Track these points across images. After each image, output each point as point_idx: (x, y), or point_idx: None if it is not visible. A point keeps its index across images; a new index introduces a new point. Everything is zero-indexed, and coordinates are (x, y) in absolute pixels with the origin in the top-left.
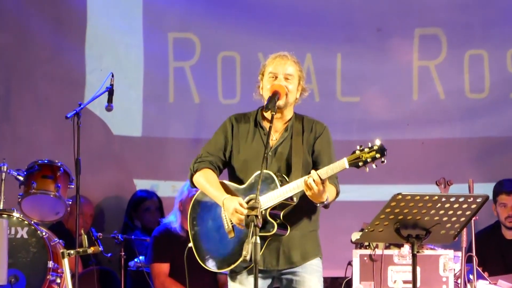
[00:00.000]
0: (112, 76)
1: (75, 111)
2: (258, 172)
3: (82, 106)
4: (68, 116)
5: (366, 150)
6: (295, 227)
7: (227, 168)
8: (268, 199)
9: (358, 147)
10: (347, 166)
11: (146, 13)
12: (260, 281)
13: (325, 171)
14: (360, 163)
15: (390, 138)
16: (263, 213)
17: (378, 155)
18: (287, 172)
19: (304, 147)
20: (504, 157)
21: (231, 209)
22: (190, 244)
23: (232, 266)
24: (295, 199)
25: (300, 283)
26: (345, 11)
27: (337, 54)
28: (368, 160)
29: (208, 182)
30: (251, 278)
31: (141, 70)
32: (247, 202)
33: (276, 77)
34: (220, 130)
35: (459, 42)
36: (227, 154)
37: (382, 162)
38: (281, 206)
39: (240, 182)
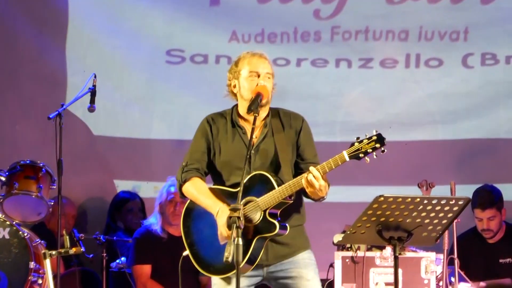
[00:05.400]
0: (95, 77)
1: (57, 112)
2: (254, 173)
3: (64, 107)
4: (51, 116)
5: (365, 141)
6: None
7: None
8: (267, 200)
9: (356, 139)
10: (348, 159)
11: (131, 14)
12: (246, 279)
13: (325, 166)
14: (361, 155)
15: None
16: (262, 214)
17: (378, 145)
18: (273, 169)
19: (288, 143)
20: (487, 160)
21: (223, 221)
22: (186, 252)
23: (234, 271)
24: (292, 197)
25: (297, 279)
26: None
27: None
28: (369, 150)
29: (199, 193)
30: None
31: (125, 71)
32: (245, 204)
33: (259, 76)
34: (200, 133)
35: (440, 47)
36: (211, 156)
37: (383, 151)
38: (278, 205)
39: (223, 183)
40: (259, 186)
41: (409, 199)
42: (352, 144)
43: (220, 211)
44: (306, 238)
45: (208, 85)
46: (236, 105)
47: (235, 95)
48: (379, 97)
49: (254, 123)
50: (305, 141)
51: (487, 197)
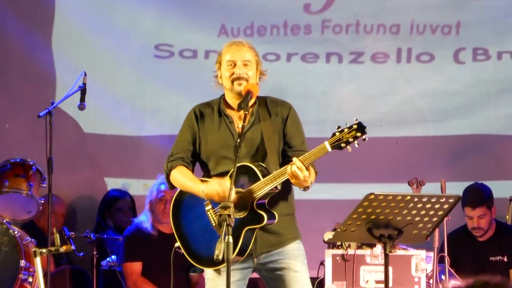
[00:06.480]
0: (85, 75)
1: (47, 110)
2: (238, 165)
3: (54, 105)
4: (41, 115)
5: (346, 130)
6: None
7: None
8: (253, 191)
9: (336, 128)
10: (330, 149)
11: (120, 11)
12: (238, 273)
13: (308, 157)
14: (343, 144)
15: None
16: (249, 205)
17: (359, 134)
18: (260, 158)
19: (274, 131)
20: (477, 157)
21: (215, 195)
22: (177, 244)
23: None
24: (279, 186)
25: (285, 271)
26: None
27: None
28: (350, 140)
29: (184, 177)
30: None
31: (115, 69)
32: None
33: (235, 65)
34: (186, 124)
35: (432, 42)
36: (197, 146)
37: (364, 140)
38: (264, 195)
39: (209, 172)
40: (244, 177)
41: (400, 197)
42: (334, 134)
43: (205, 188)
44: (296, 228)
45: (198, 81)
46: (224, 95)
47: (221, 85)
48: (369, 95)
49: (244, 121)
50: (292, 129)
51: (477, 195)
